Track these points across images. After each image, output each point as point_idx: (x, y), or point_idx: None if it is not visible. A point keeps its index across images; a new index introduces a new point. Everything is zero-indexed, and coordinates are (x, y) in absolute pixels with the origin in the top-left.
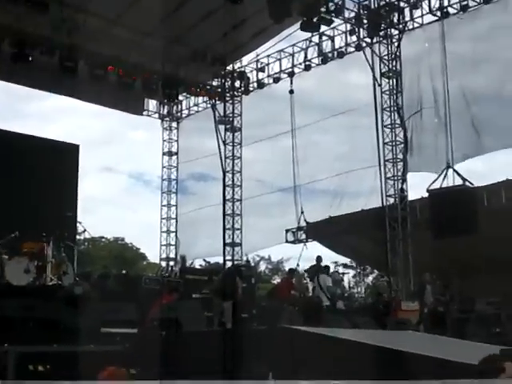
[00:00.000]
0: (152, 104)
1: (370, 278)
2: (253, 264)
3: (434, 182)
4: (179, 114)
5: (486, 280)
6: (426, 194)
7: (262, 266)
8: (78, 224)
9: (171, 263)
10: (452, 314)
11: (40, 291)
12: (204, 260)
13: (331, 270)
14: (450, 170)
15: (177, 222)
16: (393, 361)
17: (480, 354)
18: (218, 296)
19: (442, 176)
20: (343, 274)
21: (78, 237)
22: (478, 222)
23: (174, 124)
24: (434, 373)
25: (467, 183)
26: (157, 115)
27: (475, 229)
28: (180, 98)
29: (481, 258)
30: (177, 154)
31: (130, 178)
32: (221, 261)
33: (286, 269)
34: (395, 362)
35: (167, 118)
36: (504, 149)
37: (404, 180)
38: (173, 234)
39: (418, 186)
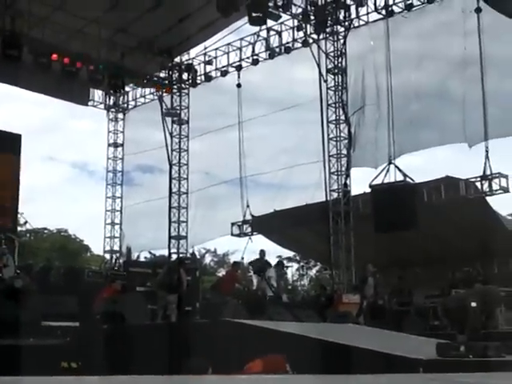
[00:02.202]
0: (98, 94)
1: (314, 270)
2: (198, 257)
3: (376, 178)
4: (125, 105)
5: (424, 274)
6: (368, 189)
7: (208, 259)
8: (19, 215)
9: (115, 255)
10: (391, 306)
11: None
12: (149, 252)
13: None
14: (392, 166)
15: (121, 214)
16: (332, 354)
17: (417, 347)
18: (162, 289)
19: (384, 172)
20: (287, 267)
21: (19, 228)
22: (418, 218)
23: (120, 115)
24: (373, 366)
25: (408, 179)
26: (102, 106)
27: (415, 224)
28: (126, 88)
29: (420, 253)
30: (122, 145)
31: (73, 169)
32: (166, 253)
33: (232, 262)
34: (335, 355)
35: (113, 109)
36: (444, 145)
37: (347, 175)
38: (117, 226)
39: (360, 181)
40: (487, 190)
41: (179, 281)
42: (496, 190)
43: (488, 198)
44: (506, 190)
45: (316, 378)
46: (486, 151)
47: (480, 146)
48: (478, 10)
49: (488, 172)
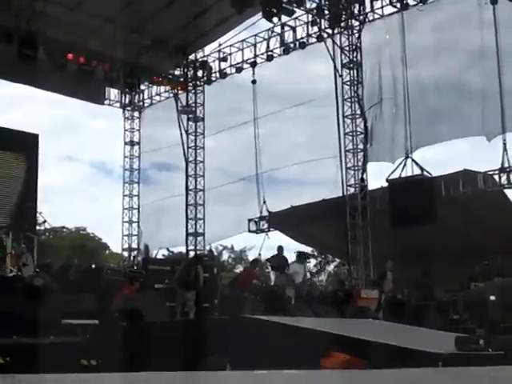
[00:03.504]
0: (113, 93)
1: (332, 266)
2: (215, 253)
3: (393, 172)
4: (141, 104)
5: (443, 268)
6: (385, 184)
7: (225, 256)
8: (38, 214)
9: (133, 253)
10: (410, 301)
11: None
12: (167, 250)
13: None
14: (409, 160)
15: (139, 211)
16: (352, 349)
17: (436, 342)
18: (180, 286)
19: (401, 166)
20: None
21: (38, 227)
22: (436, 212)
23: (136, 113)
24: (392, 361)
25: (425, 173)
26: (118, 104)
27: (433, 218)
28: (142, 87)
29: (439, 247)
30: (139, 143)
31: (91, 168)
32: (184, 251)
33: (249, 258)
34: (354, 351)
35: (129, 108)
36: (461, 138)
37: (364, 170)
38: (135, 224)
39: (377, 176)
40: (505, 182)
41: (196, 277)
42: None
43: (506, 191)
44: None
45: (336, 372)
46: (504, 144)
47: (498, 138)
48: (494, 2)
49: (506, 165)
